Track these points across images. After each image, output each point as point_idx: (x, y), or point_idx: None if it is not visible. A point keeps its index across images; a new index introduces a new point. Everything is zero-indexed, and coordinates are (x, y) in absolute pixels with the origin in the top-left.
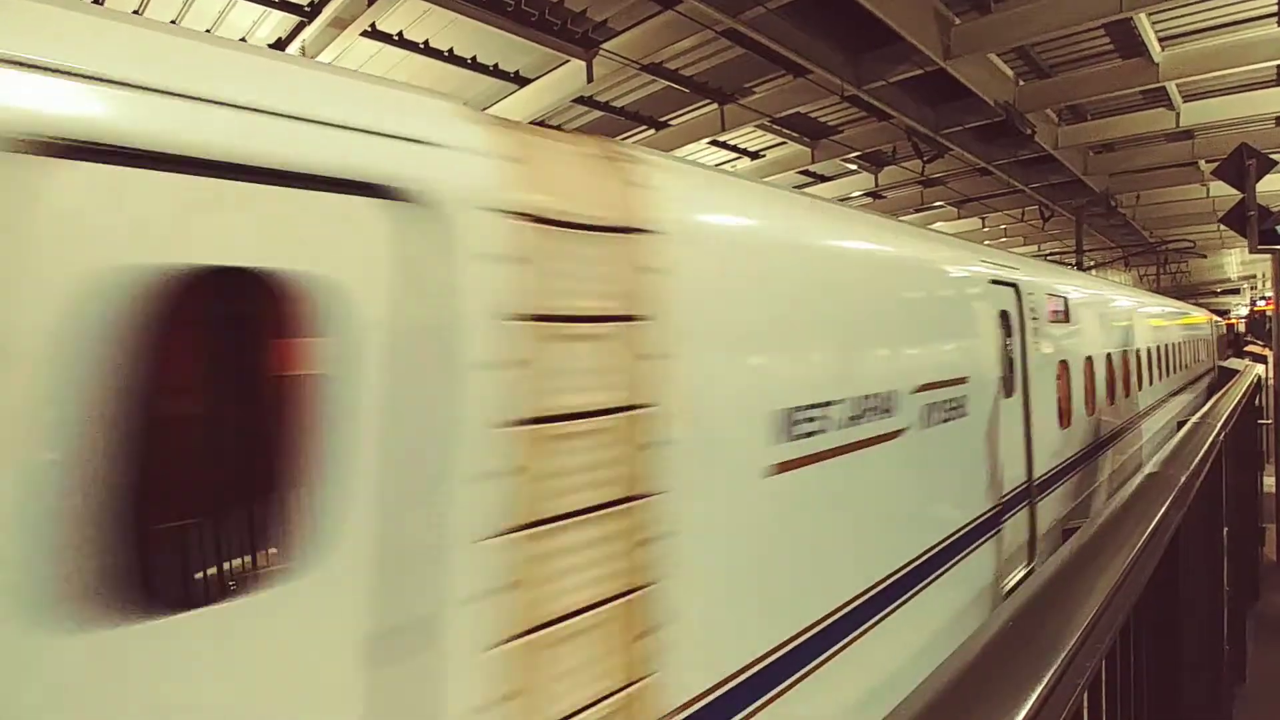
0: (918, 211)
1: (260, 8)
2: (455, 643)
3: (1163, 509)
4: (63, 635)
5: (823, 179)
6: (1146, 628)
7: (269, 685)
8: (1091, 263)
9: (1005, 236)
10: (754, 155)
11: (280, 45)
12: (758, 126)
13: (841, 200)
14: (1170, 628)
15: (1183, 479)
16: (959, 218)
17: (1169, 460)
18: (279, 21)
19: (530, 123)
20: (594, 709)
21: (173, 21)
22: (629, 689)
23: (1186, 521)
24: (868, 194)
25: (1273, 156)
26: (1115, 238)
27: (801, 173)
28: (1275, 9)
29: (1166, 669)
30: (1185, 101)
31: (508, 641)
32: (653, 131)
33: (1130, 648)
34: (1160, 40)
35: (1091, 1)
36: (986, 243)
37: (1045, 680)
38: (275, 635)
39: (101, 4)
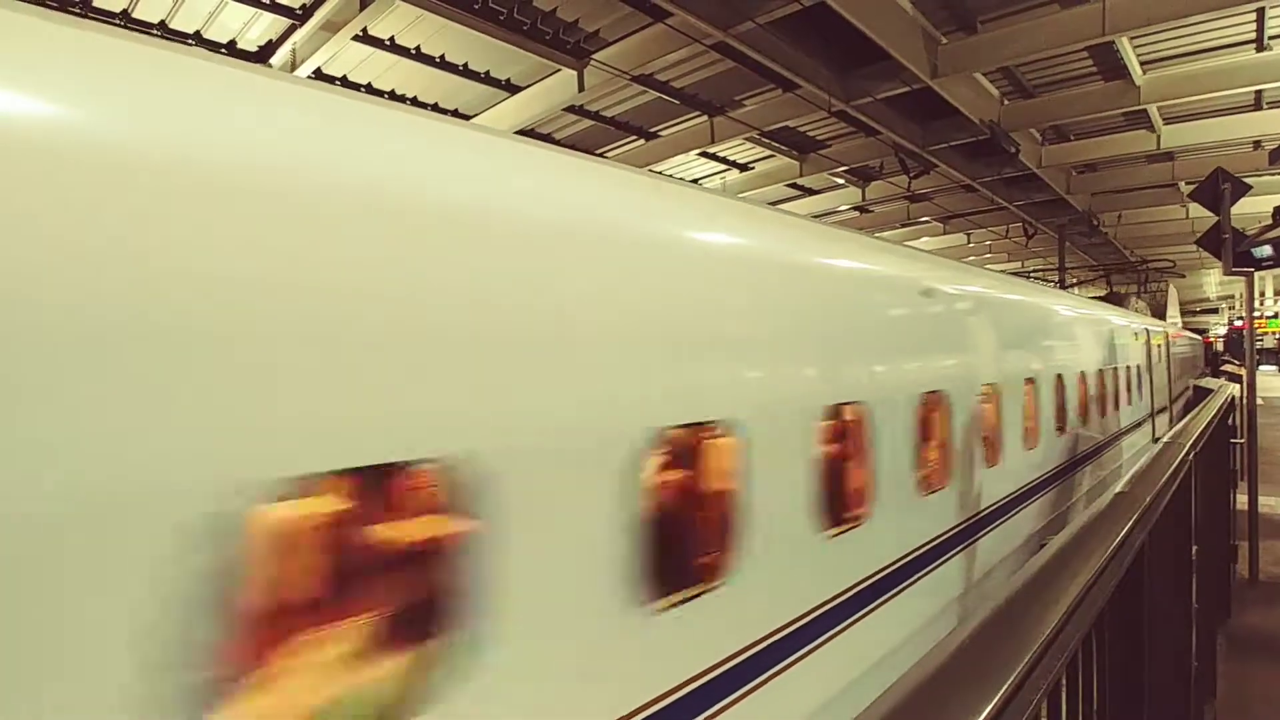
0: (903, 226)
1: (251, 10)
2: None
3: (1125, 528)
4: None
5: (811, 192)
6: (1108, 644)
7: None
8: (1074, 280)
9: (990, 253)
10: (743, 168)
11: (270, 48)
12: (747, 139)
13: (826, 215)
14: (1134, 644)
15: (1147, 499)
16: (944, 233)
17: (1137, 480)
18: (270, 24)
19: (518, 131)
20: None
21: (161, 23)
22: None
23: (1151, 540)
24: (855, 208)
25: (1250, 180)
26: (1097, 256)
27: (790, 185)
28: (1254, 35)
29: (1130, 683)
30: (1166, 124)
31: None
32: (643, 142)
33: (1092, 663)
34: (1142, 64)
35: (1075, 24)
36: (970, 259)
37: (1001, 692)
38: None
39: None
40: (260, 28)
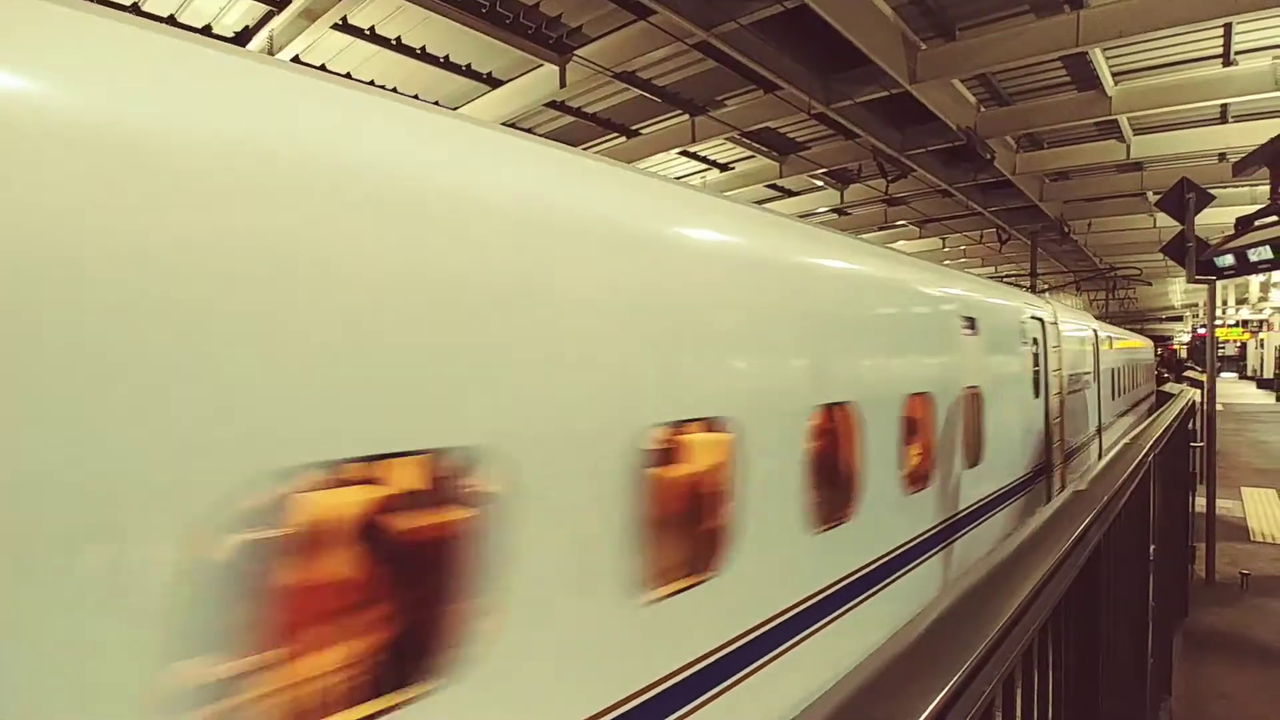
0: (881, 229)
1: None
2: None
3: (1082, 526)
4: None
5: (790, 194)
6: (1065, 638)
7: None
8: (1045, 286)
9: (964, 257)
10: (723, 167)
11: (247, 34)
12: (727, 139)
13: (806, 216)
14: (1091, 639)
15: (1105, 499)
16: (920, 237)
17: (1096, 480)
18: (246, 9)
19: (502, 124)
20: None
21: (134, 4)
22: None
23: (1109, 538)
24: (833, 210)
25: (1215, 191)
26: (1068, 263)
27: (769, 186)
28: (1221, 51)
29: (1087, 678)
30: (1136, 134)
31: None
32: (624, 139)
33: (1048, 656)
34: (1114, 75)
35: (1050, 34)
36: (946, 263)
37: (953, 682)
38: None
39: None
40: (237, 13)
